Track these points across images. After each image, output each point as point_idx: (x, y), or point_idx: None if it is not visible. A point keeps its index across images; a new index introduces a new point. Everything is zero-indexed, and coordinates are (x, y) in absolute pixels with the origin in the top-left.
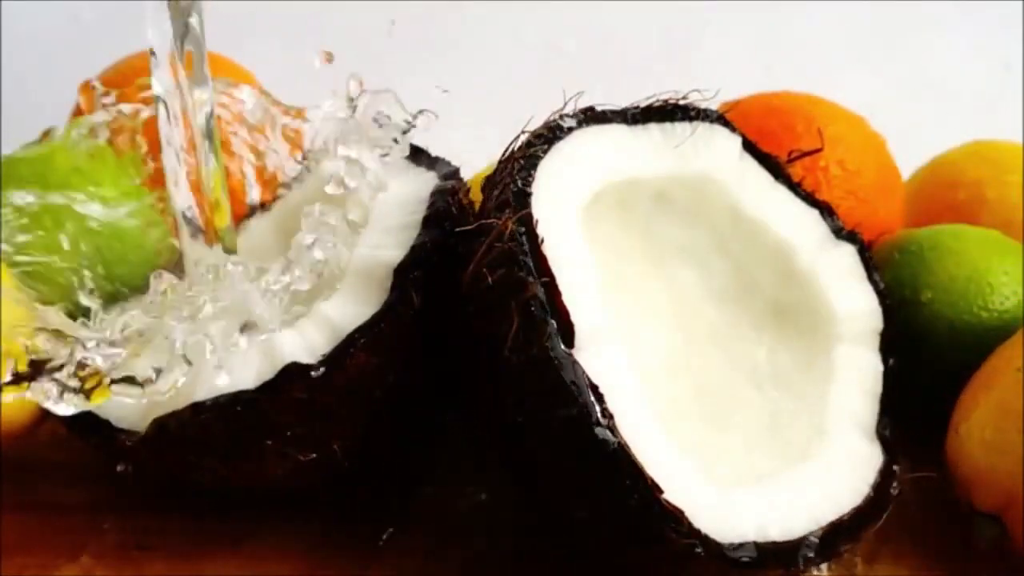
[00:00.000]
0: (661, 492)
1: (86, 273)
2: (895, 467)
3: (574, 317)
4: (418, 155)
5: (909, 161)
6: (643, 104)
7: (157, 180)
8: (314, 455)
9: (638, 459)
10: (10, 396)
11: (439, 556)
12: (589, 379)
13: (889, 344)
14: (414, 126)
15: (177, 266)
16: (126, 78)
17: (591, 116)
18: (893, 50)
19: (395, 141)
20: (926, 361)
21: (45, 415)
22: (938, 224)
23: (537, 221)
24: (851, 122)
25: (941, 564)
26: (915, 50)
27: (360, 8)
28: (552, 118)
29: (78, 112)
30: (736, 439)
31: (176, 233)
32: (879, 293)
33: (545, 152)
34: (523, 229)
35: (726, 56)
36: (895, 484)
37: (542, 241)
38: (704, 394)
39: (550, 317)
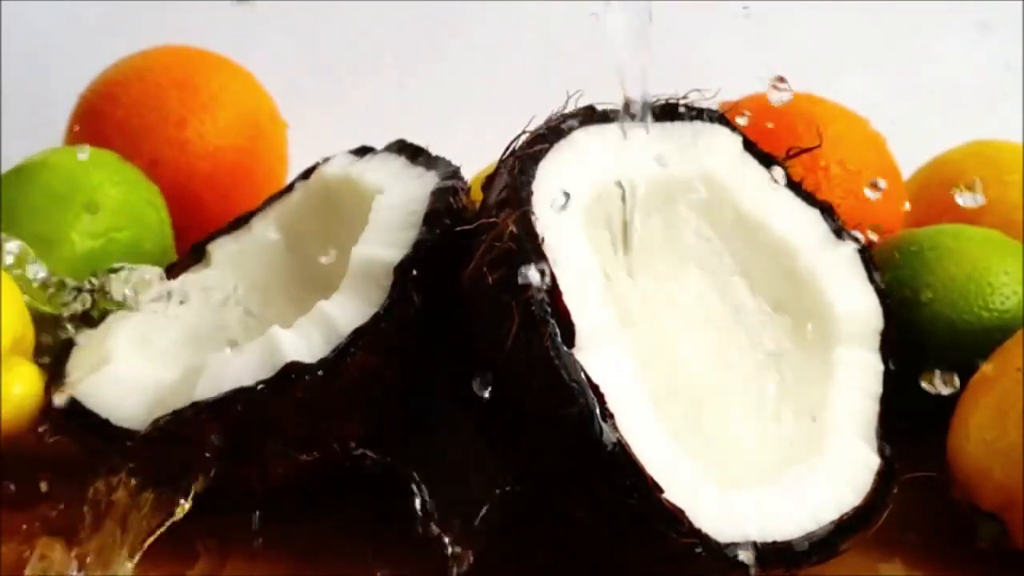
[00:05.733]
0: (661, 492)
1: None
2: (895, 467)
3: (574, 317)
4: (418, 155)
5: (909, 161)
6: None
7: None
8: (314, 455)
9: (638, 459)
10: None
11: (438, 556)
12: (589, 379)
13: (889, 344)
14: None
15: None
16: (126, 78)
17: (591, 116)
18: (893, 50)
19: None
20: (926, 361)
21: (45, 415)
22: (938, 224)
23: (537, 221)
24: (851, 122)
25: (941, 564)
26: (915, 50)
27: (360, 8)
28: (552, 118)
29: (78, 114)
30: (736, 438)
31: None
32: (879, 293)
33: (545, 152)
34: (523, 229)
35: (726, 56)
36: (895, 484)
37: (542, 241)
38: (704, 394)
39: (550, 317)
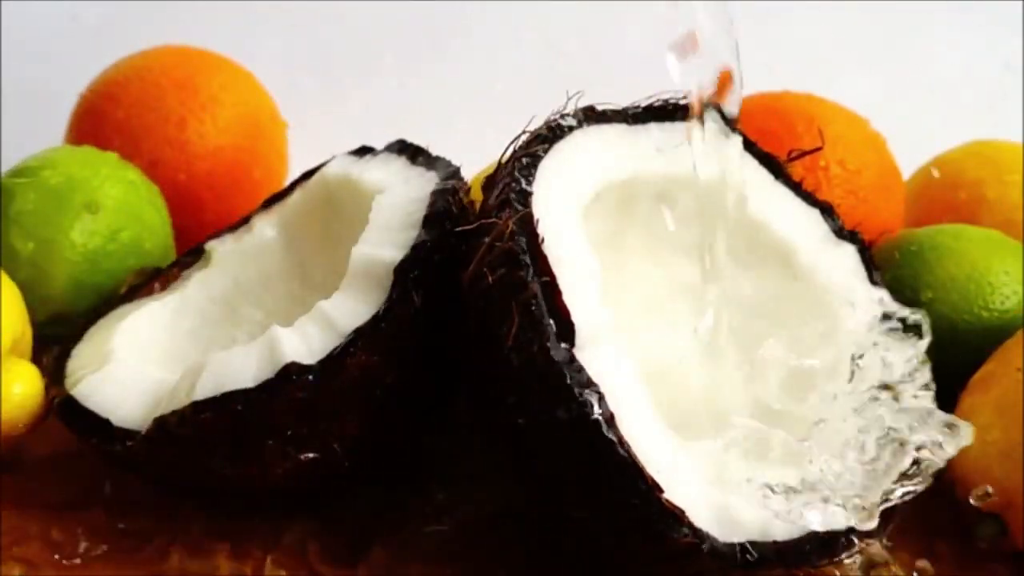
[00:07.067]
0: (661, 492)
1: None
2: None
3: (574, 317)
4: (418, 155)
5: (909, 161)
6: (643, 104)
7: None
8: (314, 455)
9: (638, 459)
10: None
11: (439, 556)
12: (589, 379)
13: None
14: None
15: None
16: (126, 78)
17: (591, 116)
18: (893, 50)
19: None
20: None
21: (45, 415)
22: (938, 224)
23: (537, 221)
24: (851, 122)
25: (941, 564)
26: (915, 50)
27: (360, 8)
28: (552, 118)
29: (78, 114)
30: (735, 438)
31: None
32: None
33: (545, 152)
34: (523, 229)
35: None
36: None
37: (542, 241)
38: (703, 394)
39: (550, 317)
